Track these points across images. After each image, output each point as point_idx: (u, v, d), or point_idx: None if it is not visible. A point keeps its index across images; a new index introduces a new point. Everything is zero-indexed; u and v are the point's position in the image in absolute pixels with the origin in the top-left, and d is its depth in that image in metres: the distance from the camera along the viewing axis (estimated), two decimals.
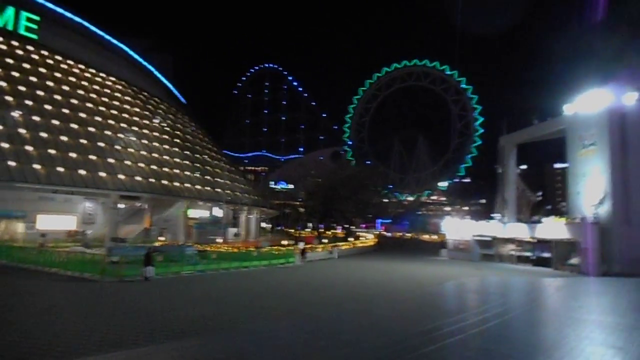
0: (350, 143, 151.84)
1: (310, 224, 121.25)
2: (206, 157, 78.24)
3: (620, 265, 39.32)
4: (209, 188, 69.26)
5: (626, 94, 41.93)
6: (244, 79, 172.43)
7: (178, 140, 74.30)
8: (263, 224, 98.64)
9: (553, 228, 44.36)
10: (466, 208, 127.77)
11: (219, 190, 71.95)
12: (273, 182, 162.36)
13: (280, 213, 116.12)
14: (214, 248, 44.78)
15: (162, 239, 54.25)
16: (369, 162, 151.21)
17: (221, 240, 57.12)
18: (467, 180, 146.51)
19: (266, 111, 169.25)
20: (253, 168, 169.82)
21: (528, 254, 47.18)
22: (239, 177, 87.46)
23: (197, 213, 69.29)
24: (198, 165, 72.08)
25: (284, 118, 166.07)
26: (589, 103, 43.56)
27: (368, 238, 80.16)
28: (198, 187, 67.62)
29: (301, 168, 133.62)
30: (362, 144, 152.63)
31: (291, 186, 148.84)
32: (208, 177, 71.61)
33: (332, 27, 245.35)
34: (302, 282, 29.40)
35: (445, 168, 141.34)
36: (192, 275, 29.92)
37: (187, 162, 70.35)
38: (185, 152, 72.52)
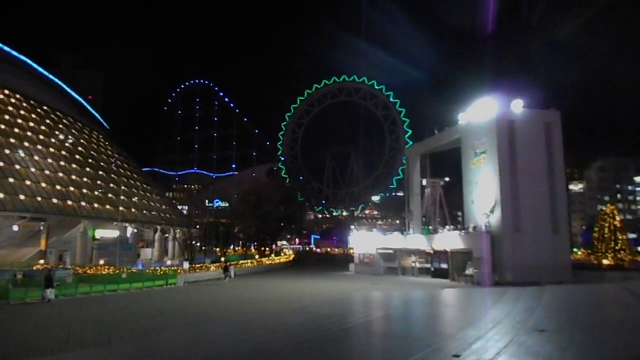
0: (284, 159, 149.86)
1: (240, 242, 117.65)
2: (116, 175, 73.26)
3: (512, 274, 38.87)
4: (111, 207, 64.41)
5: (513, 102, 42.31)
6: (174, 95, 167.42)
7: (87, 159, 69.39)
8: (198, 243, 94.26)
9: (449, 238, 43.67)
10: (398, 221, 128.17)
11: (130, 209, 67.33)
12: (207, 200, 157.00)
13: (212, 231, 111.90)
14: (92, 271, 40.70)
15: (42, 262, 49.24)
16: (302, 178, 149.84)
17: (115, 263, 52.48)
18: (400, 193, 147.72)
19: (197, 127, 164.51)
20: (185, 186, 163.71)
21: (428, 265, 46.27)
22: (154, 195, 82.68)
23: (111, 233, 64.38)
24: (106, 184, 67.31)
25: (215, 134, 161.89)
26: (480, 111, 43.61)
27: (286, 255, 77.54)
28: (105, 206, 62.89)
29: (235, 185, 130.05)
30: (296, 160, 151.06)
31: (226, 204, 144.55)
32: (112, 196, 66.74)
33: (262, 44, 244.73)
34: (158, 308, 26.08)
35: (378, 182, 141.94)
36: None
37: (96, 182, 65.59)
38: (94, 171, 67.67)
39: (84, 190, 62.67)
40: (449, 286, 39.32)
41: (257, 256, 67.39)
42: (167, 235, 79.04)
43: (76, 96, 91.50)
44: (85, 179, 64.91)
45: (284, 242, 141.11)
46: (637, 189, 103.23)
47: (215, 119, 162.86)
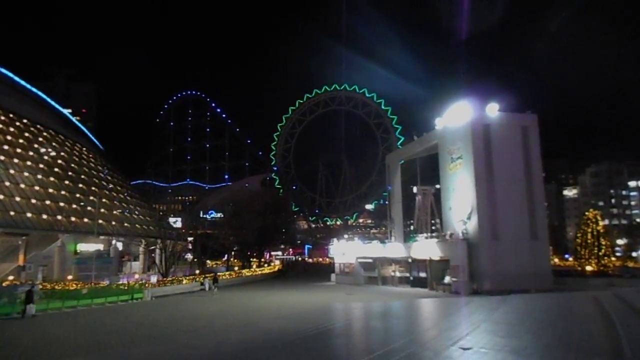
0: (277, 169, 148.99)
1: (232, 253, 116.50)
2: (98, 188, 72.06)
3: (489, 283, 37.59)
4: (90, 221, 63.18)
5: (488, 106, 41.31)
6: (166, 106, 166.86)
7: (67, 173, 68.27)
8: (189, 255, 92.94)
9: (427, 246, 42.44)
10: (391, 230, 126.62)
11: (110, 222, 66.14)
12: (202, 212, 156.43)
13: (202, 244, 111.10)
14: (60, 286, 39.41)
15: (12, 277, 48.03)
16: (295, 187, 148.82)
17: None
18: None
19: (190, 139, 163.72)
20: (178, 197, 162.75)
21: (407, 274, 44.99)
22: (139, 208, 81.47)
23: (94, 247, 63.07)
24: (86, 197, 66.11)
25: (208, 146, 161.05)
26: (455, 116, 42.60)
27: (270, 266, 76.20)
28: (82, 220, 61.64)
29: (229, 196, 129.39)
30: (289, 170, 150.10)
31: (220, 215, 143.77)
32: (92, 209, 65.54)
33: (253, 55, 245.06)
34: (98, 327, 24.82)
35: (371, 190, 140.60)
36: None
37: (74, 195, 64.43)
38: (73, 184, 66.49)
39: (62, 204, 61.55)
40: (427, 296, 38.05)
41: (236, 268, 65.99)
42: (152, 248, 77.80)
43: (60, 109, 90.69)
44: (63, 192, 63.79)
45: (279, 253, 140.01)
46: (632, 193, 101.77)
47: (208, 130, 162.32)
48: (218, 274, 54.57)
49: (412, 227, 61.57)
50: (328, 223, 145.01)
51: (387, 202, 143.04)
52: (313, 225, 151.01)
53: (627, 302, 20.21)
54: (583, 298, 24.15)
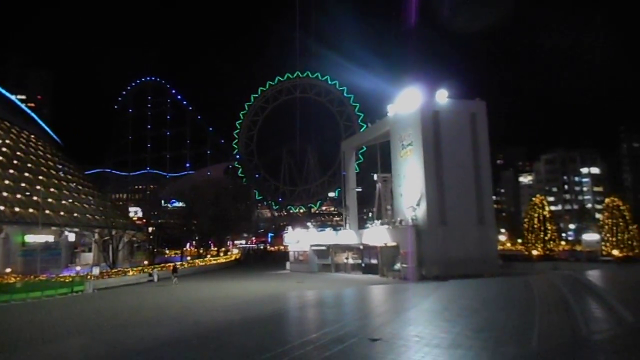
0: (239, 157, 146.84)
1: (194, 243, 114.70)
2: (46, 177, 68.92)
3: (437, 268, 37.81)
4: (35, 211, 60.37)
5: (438, 92, 41.33)
6: (125, 93, 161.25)
7: (11, 161, 64.86)
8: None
9: (378, 233, 42.45)
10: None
11: (58, 213, 63.39)
12: (164, 201, 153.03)
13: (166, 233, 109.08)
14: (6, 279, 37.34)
15: None
16: (258, 175, 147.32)
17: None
18: (359, 189, 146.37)
19: (149, 126, 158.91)
20: (140, 187, 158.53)
21: (360, 261, 45.01)
22: (93, 197, 78.54)
23: (45, 239, 60.24)
24: (32, 187, 63.03)
25: (168, 133, 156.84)
26: (406, 103, 42.44)
27: (227, 255, 75.18)
28: (28, 210, 58.76)
29: (191, 185, 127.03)
30: (252, 158, 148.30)
31: (182, 204, 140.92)
32: (38, 199, 62.63)
33: (213, 41, 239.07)
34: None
35: (335, 178, 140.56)
36: None
37: (19, 184, 61.33)
38: (18, 173, 63.28)
39: (5, 194, 58.55)
40: (376, 282, 38.01)
41: (188, 258, 64.68)
42: (106, 238, 75.35)
43: (7, 94, 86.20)
44: (7, 182, 60.70)
45: (242, 242, 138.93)
46: (584, 180, 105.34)
47: (168, 117, 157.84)
48: (177, 264, 53.36)
49: (370, 215, 61.72)
50: (291, 211, 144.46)
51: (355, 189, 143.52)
52: (276, 214, 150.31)
53: (556, 287, 20.52)
54: (517, 283, 24.48)
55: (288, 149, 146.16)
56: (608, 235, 45.65)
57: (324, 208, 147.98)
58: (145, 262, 57.44)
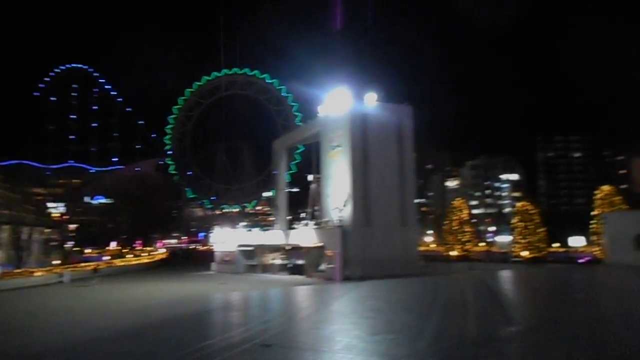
0: (171, 153, 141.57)
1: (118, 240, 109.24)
2: None
3: (362, 268, 38.25)
4: None
5: (367, 95, 41.93)
6: (47, 79, 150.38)
7: None
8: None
9: (305, 234, 42.36)
10: (289, 217, 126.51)
11: None
12: (89, 197, 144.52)
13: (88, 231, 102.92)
14: None
15: None
16: (190, 173, 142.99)
17: None
18: (296, 189, 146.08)
19: (74, 117, 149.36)
20: (63, 181, 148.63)
21: (287, 262, 44.70)
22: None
23: None
24: None
25: (95, 125, 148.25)
26: (336, 104, 42.70)
27: (151, 255, 72.25)
28: None
29: (119, 180, 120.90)
30: (185, 154, 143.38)
31: (108, 201, 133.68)
32: None
33: (149, 32, 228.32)
34: None
35: (271, 177, 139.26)
36: None
37: None
38: None
39: None
40: (301, 283, 37.84)
41: (106, 258, 61.43)
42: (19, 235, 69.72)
43: None
44: None
45: (173, 241, 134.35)
46: (504, 185, 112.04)
47: (95, 108, 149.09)
48: (97, 264, 50.30)
49: (304, 215, 61.50)
50: (225, 210, 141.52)
51: (287, 190, 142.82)
52: (209, 213, 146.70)
53: (462, 288, 21.25)
54: (430, 283, 25.25)
55: (223, 146, 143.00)
56: (519, 237, 48.74)
57: (259, 208, 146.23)
58: (57, 262, 53.58)
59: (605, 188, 49.53)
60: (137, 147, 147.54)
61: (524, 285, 23.22)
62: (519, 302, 15.52)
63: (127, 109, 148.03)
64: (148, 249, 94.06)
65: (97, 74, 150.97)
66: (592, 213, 48.48)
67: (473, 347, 9.96)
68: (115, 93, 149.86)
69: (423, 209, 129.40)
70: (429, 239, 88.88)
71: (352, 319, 14.46)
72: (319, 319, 14.95)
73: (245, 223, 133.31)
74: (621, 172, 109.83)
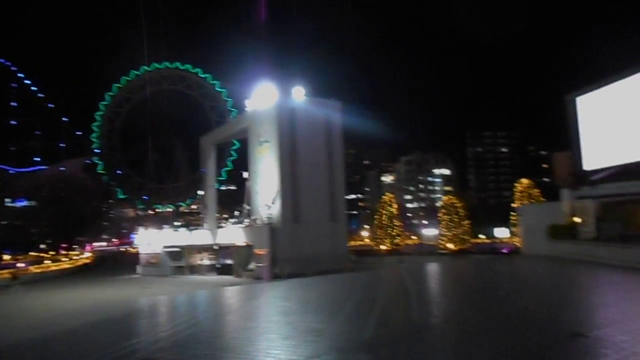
0: (99, 152, 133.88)
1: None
2: None
3: (291, 266, 37.59)
4: None
5: (294, 89, 41.28)
6: None
7: None
8: None
9: (233, 233, 41.18)
10: (226, 216, 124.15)
11: None
12: (10, 200, 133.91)
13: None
14: None
15: None
16: (120, 172, 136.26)
17: None
18: (233, 187, 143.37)
19: None
20: None
21: (215, 262, 43.26)
22: None
23: None
24: None
25: (14, 122, 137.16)
26: (264, 99, 41.72)
27: (73, 259, 67.95)
28: None
29: (43, 181, 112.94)
30: (114, 153, 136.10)
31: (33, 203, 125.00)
32: None
33: (71, 26, 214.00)
34: None
35: (200, 174, 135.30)
36: None
37: None
38: None
39: None
40: (230, 283, 36.54)
41: (19, 265, 56.91)
42: None
43: None
44: None
45: (103, 244, 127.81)
46: (436, 180, 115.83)
47: (14, 104, 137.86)
48: (17, 270, 46.32)
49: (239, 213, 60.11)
50: (158, 210, 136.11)
51: (221, 188, 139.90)
52: (142, 213, 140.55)
53: (380, 283, 21.13)
54: (352, 279, 25.05)
55: (155, 144, 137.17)
56: (445, 230, 50.27)
57: (194, 207, 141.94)
58: None
59: (524, 181, 52.11)
60: (61, 145, 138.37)
61: (437, 278, 23.67)
62: (427, 297, 15.44)
63: (50, 105, 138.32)
64: (72, 253, 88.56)
65: (15, 68, 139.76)
66: (512, 205, 50.89)
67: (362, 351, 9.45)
68: (35, 89, 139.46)
69: (360, 204, 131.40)
70: (365, 233, 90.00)
71: (254, 324, 13.71)
72: (222, 325, 14.08)
73: (179, 223, 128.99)
74: (544, 165, 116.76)
